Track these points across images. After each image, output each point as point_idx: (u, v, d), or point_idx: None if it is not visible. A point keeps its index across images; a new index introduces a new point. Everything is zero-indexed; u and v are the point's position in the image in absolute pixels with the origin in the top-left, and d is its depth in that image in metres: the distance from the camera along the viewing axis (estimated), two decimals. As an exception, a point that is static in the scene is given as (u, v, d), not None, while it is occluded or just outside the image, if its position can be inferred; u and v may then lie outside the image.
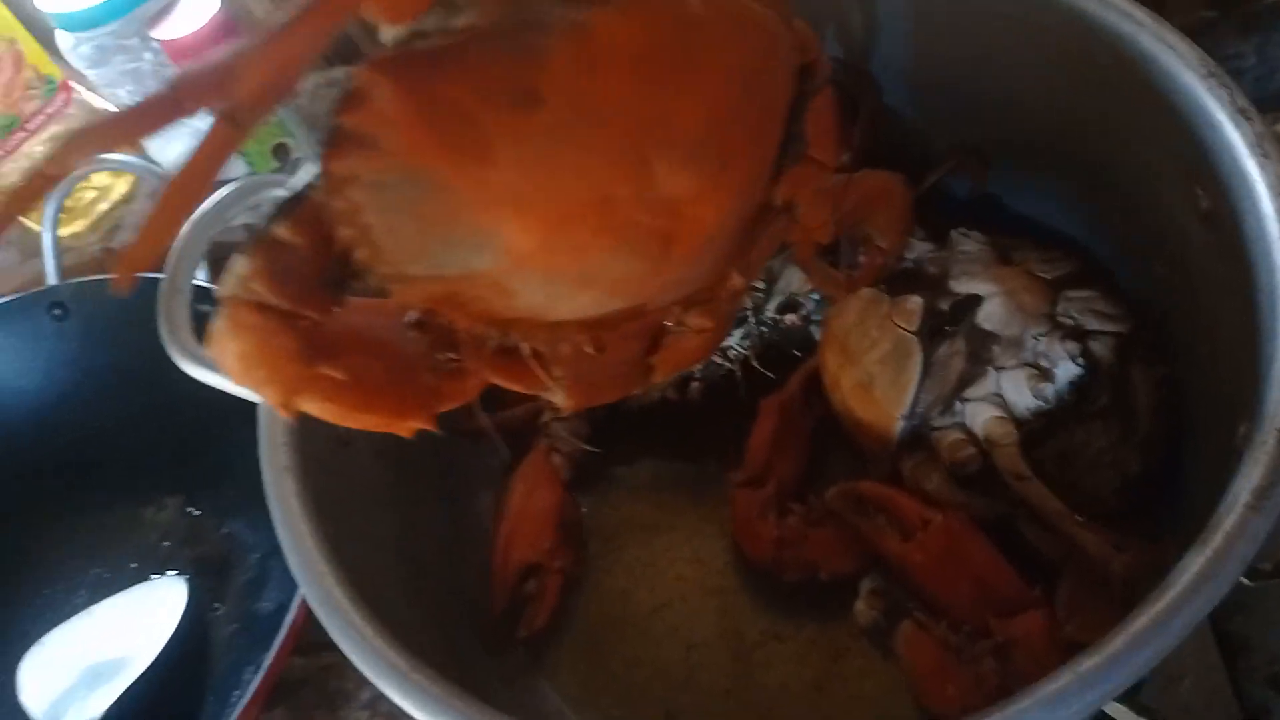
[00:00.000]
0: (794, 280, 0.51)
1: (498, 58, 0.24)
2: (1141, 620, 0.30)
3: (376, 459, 0.46)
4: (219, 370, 0.41)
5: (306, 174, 0.25)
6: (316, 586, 0.36)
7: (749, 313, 0.51)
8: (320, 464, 0.41)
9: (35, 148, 0.75)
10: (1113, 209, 0.48)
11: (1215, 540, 0.30)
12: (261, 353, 0.26)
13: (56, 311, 0.70)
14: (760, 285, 0.51)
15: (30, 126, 0.73)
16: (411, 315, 0.29)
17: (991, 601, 0.42)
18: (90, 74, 0.71)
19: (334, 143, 0.24)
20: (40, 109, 0.74)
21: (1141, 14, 0.40)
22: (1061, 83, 0.46)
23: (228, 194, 0.45)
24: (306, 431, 0.41)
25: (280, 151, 0.73)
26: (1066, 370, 0.44)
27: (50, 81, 0.74)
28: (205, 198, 0.23)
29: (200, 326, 0.47)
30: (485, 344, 0.30)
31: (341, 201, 0.25)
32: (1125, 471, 0.44)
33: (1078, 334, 0.45)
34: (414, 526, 0.48)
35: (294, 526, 0.38)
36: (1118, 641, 0.30)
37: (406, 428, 0.29)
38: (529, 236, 0.26)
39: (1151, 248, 0.46)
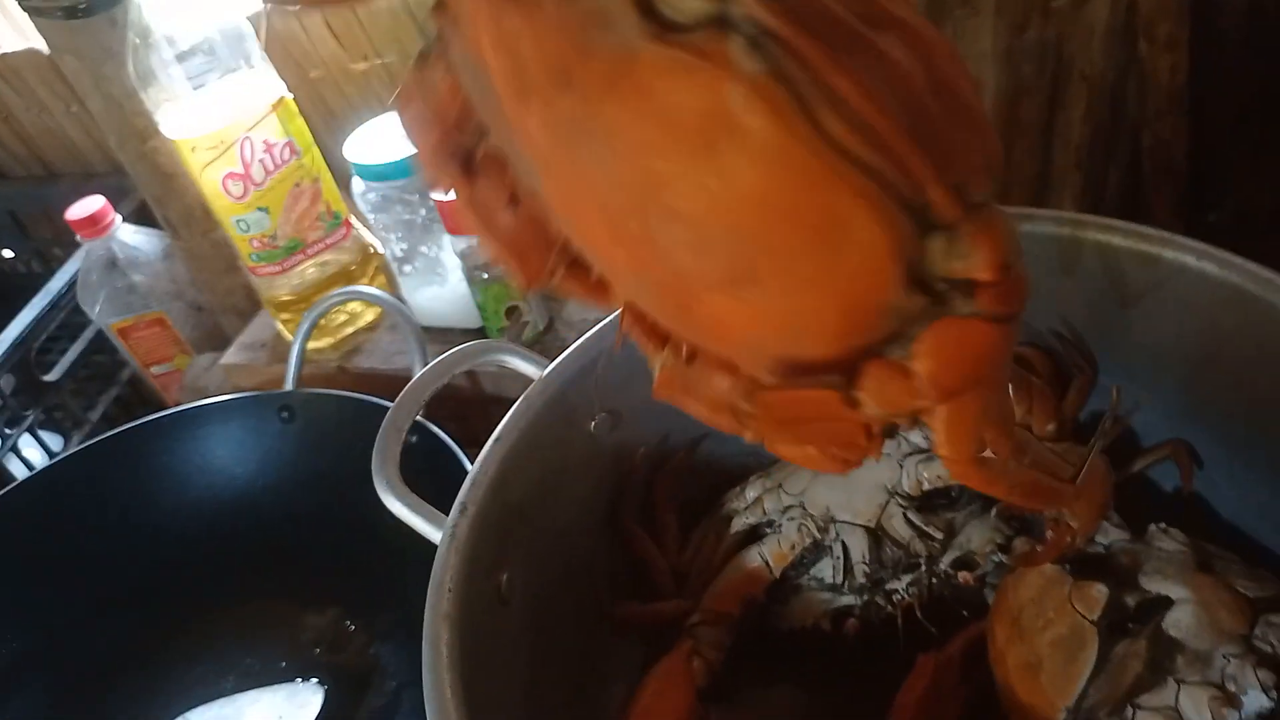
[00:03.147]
0: (974, 537, 0.51)
1: (563, 25, 0.25)
2: None
3: (525, 630, 0.47)
4: (413, 511, 0.44)
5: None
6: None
7: (922, 560, 0.50)
8: (476, 620, 0.43)
9: (308, 269, 0.84)
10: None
11: None
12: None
13: (284, 414, 0.77)
14: (938, 535, 0.51)
15: (310, 252, 0.83)
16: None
17: None
18: (371, 217, 0.80)
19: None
20: (321, 238, 0.83)
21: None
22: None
23: (464, 350, 0.50)
24: (472, 585, 0.43)
25: (513, 313, 0.79)
26: (1256, 700, 0.40)
27: (336, 217, 0.84)
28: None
29: (409, 466, 0.51)
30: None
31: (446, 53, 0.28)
32: (1312, 832, 0.39)
33: (1275, 663, 0.41)
34: (545, 704, 0.48)
35: (439, 674, 0.39)
36: None
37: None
38: (553, 196, 0.29)
39: (1372, 591, 0.43)
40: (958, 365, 0.30)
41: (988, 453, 0.34)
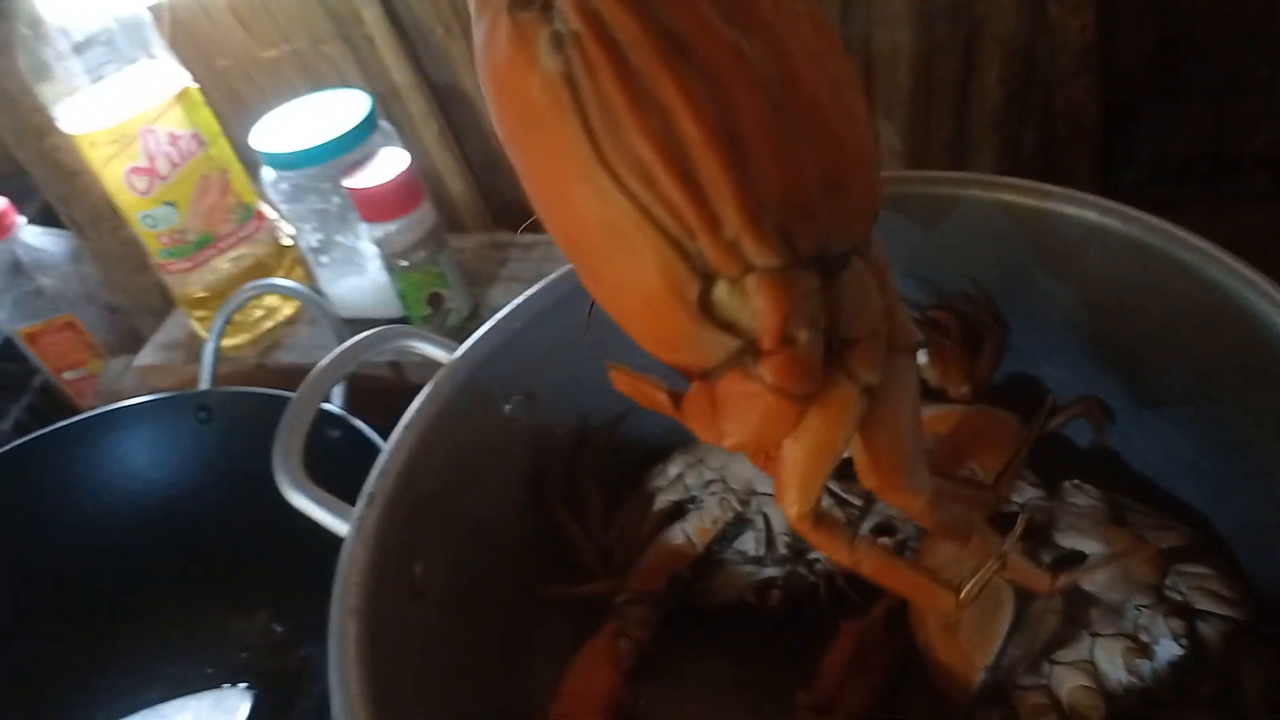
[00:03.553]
0: (894, 503, 0.50)
1: None
2: None
3: (444, 616, 0.46)
4: (318, 504, 0.43)
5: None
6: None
7: (843, 529, 0.50)
8: (388, 612, 0.41)
9: (221, 264, 0.82)
10: (1240, 487, 0.46)
11: None
12: None
13: (201, 414, 0.75)
14: (857, 503, 0.50)
15: (221, 245, 0.81)
16: None
17: None
18: (283, 207, 0.78)
19: None
20: (233, 231, 0.81)
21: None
22: (1204, 351, 0.45)
23: (365, 338, 0.49)
24: (383, 579, 0.42)
25: (435, 300, 0.78)
26: (1168, 649, 0.41)
27: (248, 209, 0.82)
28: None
29: (332, 462, 0.49)
30: None
31: None
32: (1227, 776, 0.40)
33: (1185, 612, 0.42)
34: (468, 692, 0.47)
35: (345, 672, 0.38)
36: None
37: None
38: None
39: (1278, 536, 0.43)
40: (741, 424, 0.28)
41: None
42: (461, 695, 0.48)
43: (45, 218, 0.93)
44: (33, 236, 0.90)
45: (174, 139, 0.76)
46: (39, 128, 0.80)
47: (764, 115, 0.24)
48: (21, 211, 0.90)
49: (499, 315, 0.51)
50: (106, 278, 0.91)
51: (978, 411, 0.50)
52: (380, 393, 0.77)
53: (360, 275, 0.80)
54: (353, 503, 0.45)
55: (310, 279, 0.84)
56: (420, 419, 0.47)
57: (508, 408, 0.52)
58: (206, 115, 0.79)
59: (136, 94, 0.75)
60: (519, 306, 0.52)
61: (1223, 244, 0.77)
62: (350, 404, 0.68)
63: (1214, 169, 0.79)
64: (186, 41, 0.87)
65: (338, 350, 0.47)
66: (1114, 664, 0.41)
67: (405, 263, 0.75)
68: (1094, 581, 0.43)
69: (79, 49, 0.75)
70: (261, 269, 0.84)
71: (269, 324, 0.84)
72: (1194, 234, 0.44)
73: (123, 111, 0.74)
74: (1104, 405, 0.51)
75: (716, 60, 0.24)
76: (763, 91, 0.24)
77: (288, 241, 0.86)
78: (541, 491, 0.55)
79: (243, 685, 0.68)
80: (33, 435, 0.75)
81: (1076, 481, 0.48)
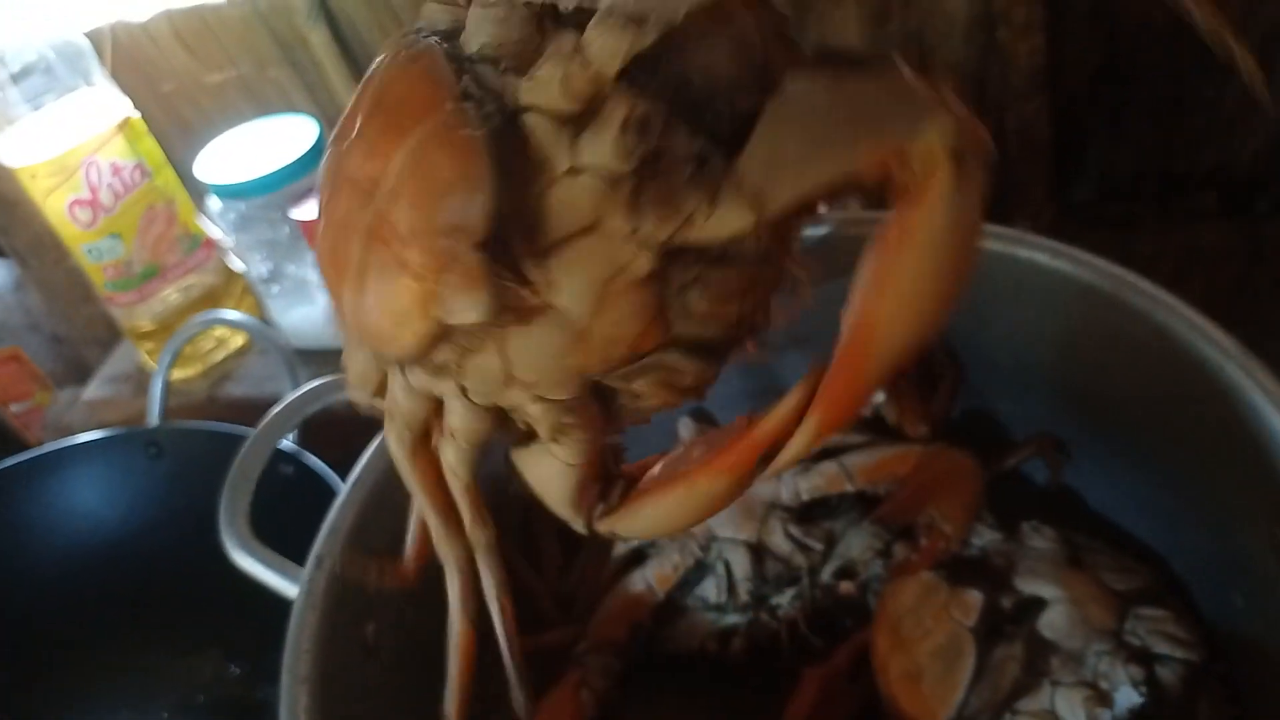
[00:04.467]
0: (855, 545, 0.50)
1: None
2: None
3: (398, 672, 0.45)
4: (266, 566, 0.42)
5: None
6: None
7: (804, 572, 0.50)
8: (341, 676, 0.41)
9: (170, 295, 0.80)
10: (1194, 525, 0.46)
11: None
12: None
13: (152, 450, 0.73)
14: (818, 546, 0.50)
15: (169, 276, 0.79)
16: None
17: None
18: (231, 237, 0.77)
19: None
20: (181, 261, 0.79)
21: (1229, 343, 0.40)
22: (1156, 393, 0.45)
23: (309, 391, 0.48)
24: (334, 642, 0.41)
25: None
26: (1127, 696, 0.41)
27: (195, 238, 0.80)
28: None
29: (284, 502, 0.48)
30: None
31: None
32: (1185, 821, 0.40)
33: (1144, 657, 0.42)
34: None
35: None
36: None
37: None
38: None
39: (1231, 575, 0.43)
40: None
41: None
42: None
43: (-13, 247, 0.91)
44: (-27, 267, 0.88)
45: (117, 170, 0.75)
46: (-24, 159, 0.78)
47: None
48: (-39, 242, 0.88)
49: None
50: (51, 308, 0.89)
51: (936, 452, 0.50)
52: (336, 424, 0.76)
53: (311, 305, 0.79)
54: (306, 547, 0.44)
55: (261, 309, 0.82)
56: (369, 474, 0.46)
57: (462, 456, 0.51)
58: (150, 145, 0.77)
59: (77, 124, 0.73)
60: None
61: (1173, 261, 0.78)
62: (304, 438, 0.67)
63: (1164, 187, 0.80)
64: (129, 66, 0.85)
65: (279, 407, 0.46)
66: (1075, 713, 0.41)
67: (358, 293, 0.74)
68: (1054, 628, 0.43)
69: (16, 78, 0.73)
70: (212, 298, 0.82)
71: (220, 355, 0.83)
72: (1143, 278, 0.44)
73: (63, 142, 0.73)
74: (1060, 443, 0.51)
75: None
76: None
77: (240, 268, 0.84)
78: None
79: (199, 731, 0.67)
80: (-27, 475, 0.73)
81: (1035, 523, 0.48)
